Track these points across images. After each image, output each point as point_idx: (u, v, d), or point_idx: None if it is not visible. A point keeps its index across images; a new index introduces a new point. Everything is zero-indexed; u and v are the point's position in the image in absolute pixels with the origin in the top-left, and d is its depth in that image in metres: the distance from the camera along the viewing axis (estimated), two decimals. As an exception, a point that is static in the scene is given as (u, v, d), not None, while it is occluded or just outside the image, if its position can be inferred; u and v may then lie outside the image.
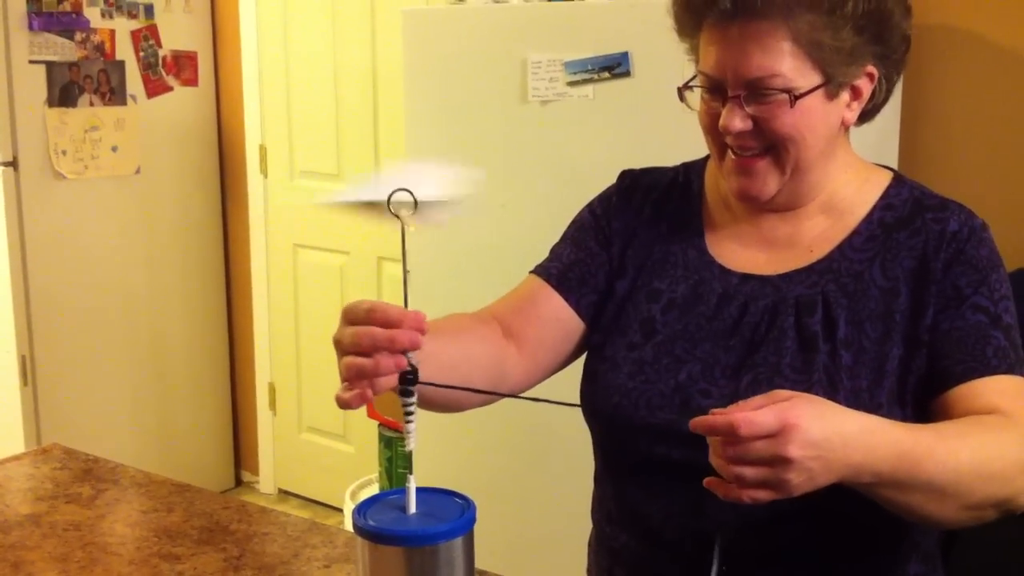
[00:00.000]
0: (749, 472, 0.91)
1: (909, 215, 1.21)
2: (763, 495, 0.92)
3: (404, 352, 0.95)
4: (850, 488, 1.00)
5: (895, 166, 2.39)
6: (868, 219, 1.22)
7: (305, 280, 3.66)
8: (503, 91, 2.37)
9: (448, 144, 2.49)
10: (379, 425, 2.95)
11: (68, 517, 1.47)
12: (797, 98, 1.13)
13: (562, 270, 1.32)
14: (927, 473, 0.98)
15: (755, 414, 0.90)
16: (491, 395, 1.22)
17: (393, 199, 0.93)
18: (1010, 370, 1.12)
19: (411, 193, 0.93)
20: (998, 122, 2.40)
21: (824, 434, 0.92)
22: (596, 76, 2.22)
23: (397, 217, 0.94)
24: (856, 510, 1.10)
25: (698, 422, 0.93)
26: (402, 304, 0.98)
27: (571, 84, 2.26)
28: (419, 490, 0.96)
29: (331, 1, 3.40)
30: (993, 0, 2.36)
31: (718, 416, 0.91)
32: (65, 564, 1.33)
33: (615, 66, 2.19)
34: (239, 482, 3.98)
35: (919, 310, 1.15)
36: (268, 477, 3.90)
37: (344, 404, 0.97)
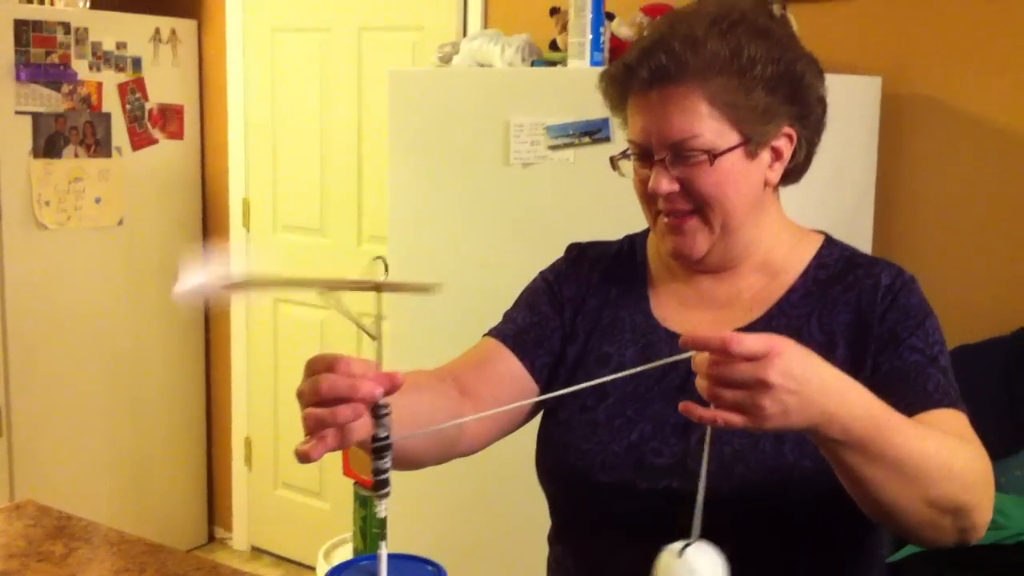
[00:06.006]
0: (728, 394, 0.94)
1: (841, 271, 1.27)
2: (737, 419, 0.94)
3: (369, 403, 0.93)
4: (814, 491, 1.07)
5: (870, 236, 2.45)
6: (804, 277, 1.28)
7: (285, 334, 3.65)
8: (486, 152, 2.39)
9: (430, 203, 2.51)
10: (354, 483, 2.94)
11: None
12: (716, 156, 1.18)
13: (517, 332, 1.35)
14: (894, 446, 1.01)
15: (745, 335, 0.93)
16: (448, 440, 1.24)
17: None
18: (952, 405, 1.16)
19: (384, 260, 0.95)
20: (974, 192, 2.43)
21: (804, 371, 0.95)
22: (577, 140, 2.25)
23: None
24: (819, 522, 1.16)
25: (690, 337, 0.95)
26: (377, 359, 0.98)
27: (552, 148, 2.29)
28: (390, 556, 0.96)
29: (319, 58, 3.44)
30: (968, 72, 2.41)
31: (712, 333, 0.94)
32: (32, 624, 1.32)
33: (596, 131, 2.22)
34: (212, 538, 3.94)
35: (858, 360, 1.20)
36: (241, 534, 3.86)
37: (303, 456, 0.94)
